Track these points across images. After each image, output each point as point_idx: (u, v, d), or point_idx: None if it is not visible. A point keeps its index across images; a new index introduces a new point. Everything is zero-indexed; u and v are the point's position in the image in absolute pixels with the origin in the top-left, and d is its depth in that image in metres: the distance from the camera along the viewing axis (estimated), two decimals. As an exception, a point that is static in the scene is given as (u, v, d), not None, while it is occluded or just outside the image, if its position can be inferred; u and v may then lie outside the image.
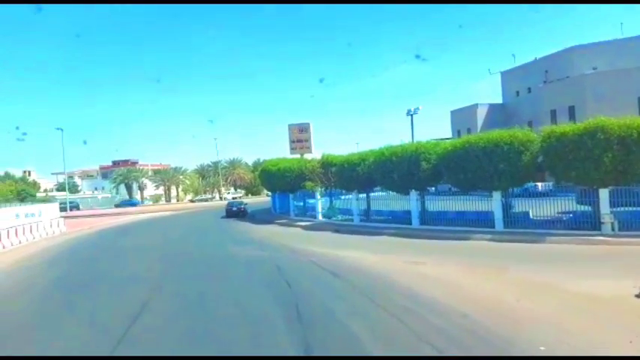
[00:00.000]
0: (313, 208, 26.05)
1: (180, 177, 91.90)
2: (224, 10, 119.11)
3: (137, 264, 14.67)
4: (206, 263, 14.13)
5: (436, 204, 19.14)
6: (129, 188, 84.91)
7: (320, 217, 24.79)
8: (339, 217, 23.83)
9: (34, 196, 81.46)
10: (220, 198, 73.45)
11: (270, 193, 39.51)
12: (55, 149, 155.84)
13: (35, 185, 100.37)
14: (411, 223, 18.90)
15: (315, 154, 33.42)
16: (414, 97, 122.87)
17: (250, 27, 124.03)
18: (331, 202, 24.60)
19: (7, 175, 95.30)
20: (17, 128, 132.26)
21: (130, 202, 71.79)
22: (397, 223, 19.60)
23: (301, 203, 28.14)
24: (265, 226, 25.47)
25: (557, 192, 19.03)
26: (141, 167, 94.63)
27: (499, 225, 16.42)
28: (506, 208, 16.64)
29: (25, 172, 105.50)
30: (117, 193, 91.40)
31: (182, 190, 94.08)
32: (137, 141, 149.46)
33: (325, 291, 9.49)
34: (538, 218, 16.34)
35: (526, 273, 10.11)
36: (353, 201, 21.95)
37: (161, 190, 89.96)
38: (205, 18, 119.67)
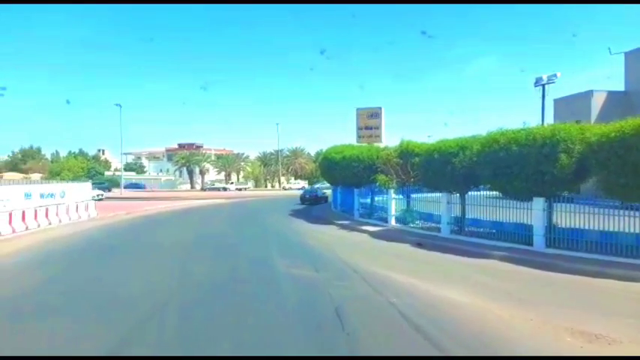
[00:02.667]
0: (383, 209, 20.79)
1: (242, 163, 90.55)
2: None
3: (142, 276, 10.48)
4: (232, 291, 9.46)
5: (569, 217, 13.04)
6: (190, 172, 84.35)
7: (393, 222, 19.46)
8: (418, 222, 18.36)
9: (103, 174, 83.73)
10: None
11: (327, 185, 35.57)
12: (130, 129, 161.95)
13: (107, 164, 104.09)
14: (530, 244, 13.07)
15: (386, 144, 28.12)
16: (500, 90, 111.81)
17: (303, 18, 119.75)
18: (408, 202, 19.12)
19: (81, 153, 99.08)
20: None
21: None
22: (507, 241, 13.85)
23: (368, 201, 23.04)
24: (323, 228, 20.64)
25: None
26: (205, 151, 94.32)
27: (689, 260, 10.30)
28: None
29: (99, 150, 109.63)
30: (180, 176, 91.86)
31: (243, 177, 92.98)
32: (204, 125, 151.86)
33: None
34: None
35: None
36: (442, 204, 16.27)
37: (222, 176, 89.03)
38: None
